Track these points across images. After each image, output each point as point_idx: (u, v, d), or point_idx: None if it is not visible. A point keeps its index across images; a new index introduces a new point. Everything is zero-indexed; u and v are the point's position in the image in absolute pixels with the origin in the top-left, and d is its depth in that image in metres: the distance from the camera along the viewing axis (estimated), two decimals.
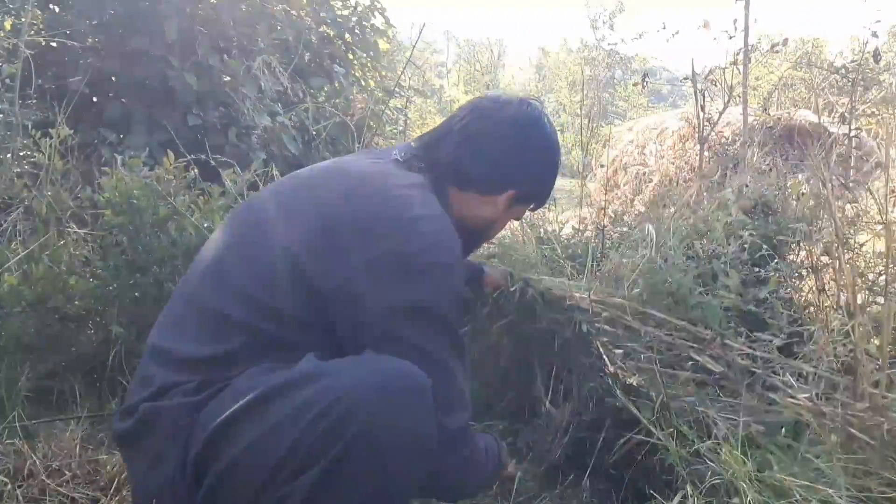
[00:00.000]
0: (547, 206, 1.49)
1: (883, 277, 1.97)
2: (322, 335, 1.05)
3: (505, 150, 1.23)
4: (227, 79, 3.21)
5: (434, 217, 1.10)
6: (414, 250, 1.04)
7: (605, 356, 1.53)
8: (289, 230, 1.07)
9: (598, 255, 2.11)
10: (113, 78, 3.19)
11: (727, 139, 4.64)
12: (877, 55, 3.04)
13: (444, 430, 1.05)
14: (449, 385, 1.09)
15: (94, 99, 3.21)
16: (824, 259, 2.02)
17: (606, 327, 1.58)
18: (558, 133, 1.31)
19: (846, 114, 3.06)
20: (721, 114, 3.44)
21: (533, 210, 1.40)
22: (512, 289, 1.66)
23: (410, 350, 1.02)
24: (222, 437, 0.96)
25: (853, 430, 1.21)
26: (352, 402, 0.90)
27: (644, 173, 5.53)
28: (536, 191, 1.32)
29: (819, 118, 4.56)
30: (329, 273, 1.03)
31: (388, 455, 0.91)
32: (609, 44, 15.09)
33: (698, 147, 3.40)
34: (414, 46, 3.89)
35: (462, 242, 1.16)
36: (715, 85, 3.46)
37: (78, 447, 1.52)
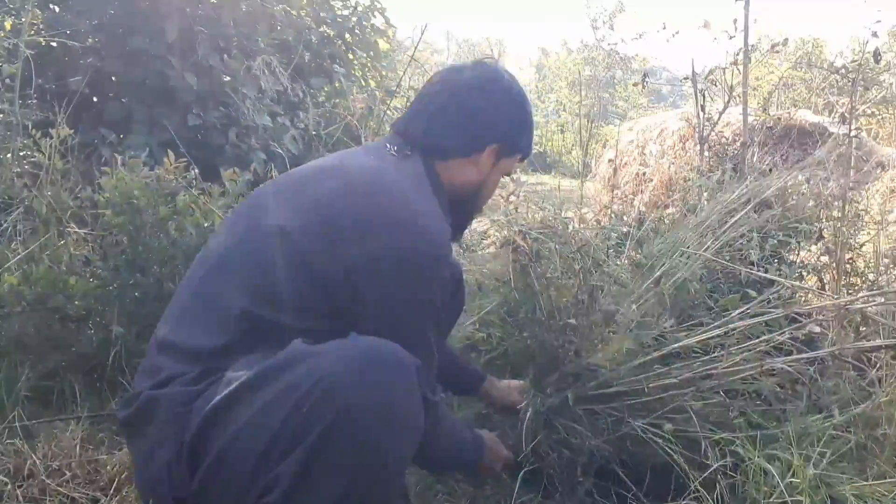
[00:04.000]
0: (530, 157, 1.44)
1: (883, 277, 1.98)
2: (319, 320, 1.09)
3: (471, 108, 1.29)
4: (227, 79, 3.21)
5: (428, 212, 1.17)
6: (410, 246, 1.11)
7: None
8: (286, 216, 1.12)
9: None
10: (113, 78, 3.19)
11: (727, 139, 4.63)
12: (877, 55, 3.04)
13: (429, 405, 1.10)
14: (431, 365, 1.20)
15: (94, 99, 3.21)
16: (824, 259, 2.02)
17: None
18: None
19: (846, 114, 3.06)
20: (721, 114, 3.44)
21: (521, 161, 1.43)
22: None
23: (403, 335, 1.05)
24: (213, 424, 0.98)
25: None
26: (332, 382, 0.92)
27: (644, 173, 5.52)
28: (515, 139, 1.35)
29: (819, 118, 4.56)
30: (329, 260, 1.08)
31: (371, 432, 0.93)
32: (609, 44, 15.07)
33: (698, 147, 3.40)
34: (416, 47, 3.89)
35: (460, 210, 1.32)
36: (715, 85, 3.46)
37: (78, 447, 1.52)
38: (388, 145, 1.28)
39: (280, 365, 0.97)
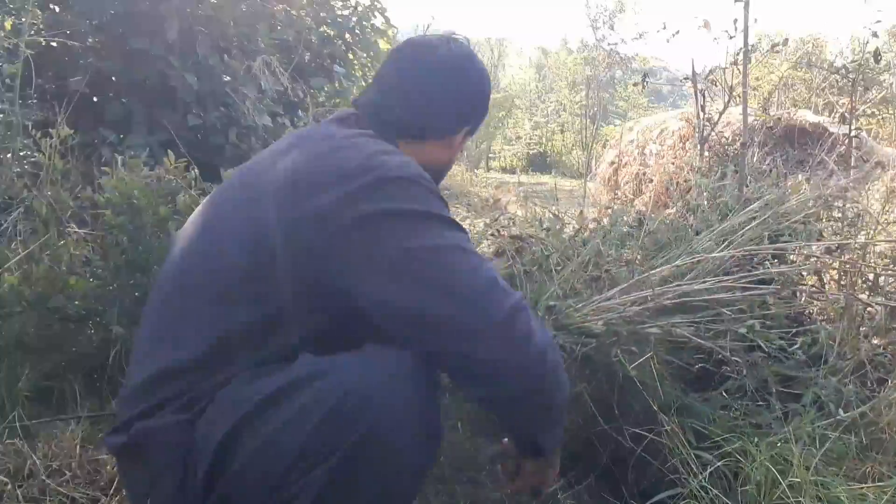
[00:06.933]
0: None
1: (883, 277, 1.98)
2: (305, 315, 1.02)
3: (451, 93, 1.22)
4: (227, 79, 3.21)
5: (391, 150, 1.06)
6: (380, 175, 1.00)
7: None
8: (251, 207, 1.04)
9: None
10: (113, 78, 3.19)
11: (727, 139, 4.64)
12: (877, 55, 3.04)
13: (491, 320, 0.95)
14: (475, 271, 0.98)
15: (94, 99, 3.21)
16: (825, 259, 2.02)
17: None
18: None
19: (846, 114, 3.06)
20: (721, 114, 3.44)
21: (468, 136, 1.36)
22: None
23: (423, 259, 0.96)
24: (230, 447, 0.96)
25: None
26: (360, 397, 0.91)
27: (644, 173, 5.52)
28: (482, 118, 1.33)
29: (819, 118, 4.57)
30: (313, 234, 0.98)
31: (398, 449, 0.93)
32: (609, 44, 15.08)
33: (698, 147, 3.40)
34: None
35: None
36: (715, 85, 3.46)
37: (78, 447, 1.51)
38: (340, 121, 1.19)
39: (297, 381, 0.94)
